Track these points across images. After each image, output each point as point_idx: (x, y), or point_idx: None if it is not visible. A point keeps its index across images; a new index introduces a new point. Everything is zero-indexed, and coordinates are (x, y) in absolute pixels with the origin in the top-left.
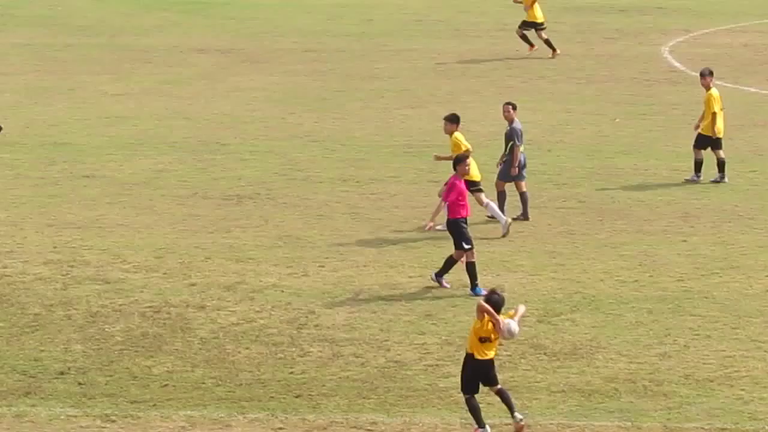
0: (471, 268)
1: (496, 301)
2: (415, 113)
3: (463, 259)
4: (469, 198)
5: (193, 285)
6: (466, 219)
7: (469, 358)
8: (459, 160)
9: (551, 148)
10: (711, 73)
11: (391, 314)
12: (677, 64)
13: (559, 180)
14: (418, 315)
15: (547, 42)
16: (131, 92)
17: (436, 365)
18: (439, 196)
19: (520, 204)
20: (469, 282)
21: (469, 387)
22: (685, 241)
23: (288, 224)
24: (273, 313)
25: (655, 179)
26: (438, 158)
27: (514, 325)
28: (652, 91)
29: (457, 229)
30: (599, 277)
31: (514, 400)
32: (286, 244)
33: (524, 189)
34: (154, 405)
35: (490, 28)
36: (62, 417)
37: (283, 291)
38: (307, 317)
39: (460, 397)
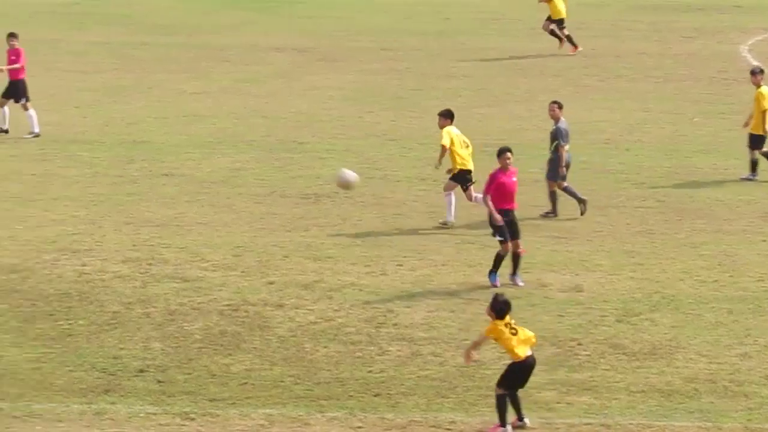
0: (499, 260)
1: (500, 308)
2: (493, 112)
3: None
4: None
5: (272, 283)
6: (506, 211)
7: (519, 361)
8: (499, 153)
9: (629, 147)
10: (761, 71)
11: (469, 313)
12: (756, 63)
13: (637, 179)
14: None
15: (552, 32)
16: (209, 91)
17: None
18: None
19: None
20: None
21: (515, 383)
22: (765, 240)
23: (366, 223)
24: (351, 311)
25: (734, 179)
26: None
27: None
28: (731, 90)
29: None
30: (679, 277)
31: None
32: (364, 243)
33: (566, 184)
34: (233, 403)
35: (568, 26)
36: (141, 415)
37: (361, 290)
38: (385, 316)
39: (540, 397)
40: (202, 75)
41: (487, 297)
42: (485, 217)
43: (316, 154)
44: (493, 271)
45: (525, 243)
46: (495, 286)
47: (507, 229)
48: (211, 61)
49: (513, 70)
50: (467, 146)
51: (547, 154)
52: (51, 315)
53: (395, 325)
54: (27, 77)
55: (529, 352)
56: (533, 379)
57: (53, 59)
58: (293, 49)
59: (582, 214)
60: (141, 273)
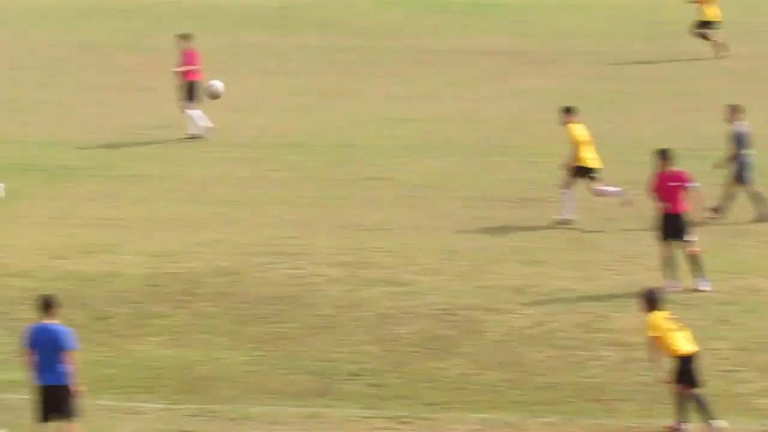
0: (663, 263)
1: (651, 298)
2: (705, 116)
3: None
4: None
5: (483, 287)
6: (666, 215)
7: (686, 355)
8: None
9: None
10: None
11: (684, 320)
12: None
13: None
14: (711, 320)
15: (703, 36)
16: (417, 94)
17: (732, 371)
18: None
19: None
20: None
21: (692, 377)
22: None
23: (577, 227)
24: (563, 316)
25: None
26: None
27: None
28: None
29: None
30: None
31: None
32: (575, 247)
33: (735, 192)
34: (448, 407)
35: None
36: (356, 418)
37: (573, 294)
38: (598, 321)
39: (758, 403)
40: (410, 78)
41: (700, 302)
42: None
43: (525, 158)
44: (699, 274)
45: (737, 248)
46: (701, 290)
47: (664, 230)
48: (419, 65)
49: (724, 73)
50: (590, 143)
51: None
52: (264, 318)
53: (608, 330)
54: (207, 80)
55: (693, 349)
56: (751, 386)
57: (261, 63)
58: (501, 53)
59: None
60: (352, 276)
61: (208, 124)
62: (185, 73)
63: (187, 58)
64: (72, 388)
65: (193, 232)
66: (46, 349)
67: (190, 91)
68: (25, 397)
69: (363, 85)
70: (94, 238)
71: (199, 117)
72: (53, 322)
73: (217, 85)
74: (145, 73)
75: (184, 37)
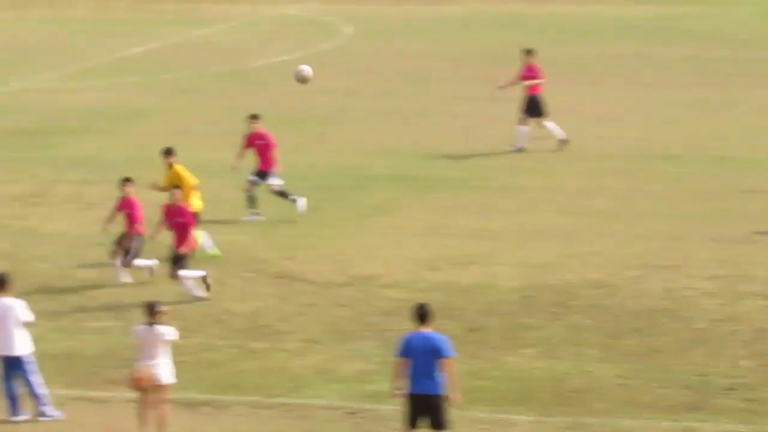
0: None
1: None
2: None
3: None
4: None
5: None
6: None
7: None
8: None
9: None
10: None
11: None
12: None
13: None
14: None
15: None
16: None
17: None
18: None
19: None
20: None
21: None
22: None
23: None
24: None
25: None
26: None
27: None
28: None
29: None
30: None
31: None
32: None
33: None
34: None
35: None
36: None
37: None
38: None
39: None
40: None
41: None
42: None
43: None
44: None
45: None
46: None
47: None
48: None
49: None
50: None
51: None
52: (637, 331)
53: None
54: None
55: None
56: None
57: (637, 74)
58: None
59: None
60: (728, 290)
61: (523, 143)
62: (529, 87)
63: (530, 72)
64: (447, 397)
65: (565, 243)
66: (422, 357)
67: (532, 105)
68: (396, 408)
69: (742, 96)
70: (467, 249)
71: (554, 128)
72: (430, 330)
73: (307, 70)
74: (515, 85)
75: (528, 51)
